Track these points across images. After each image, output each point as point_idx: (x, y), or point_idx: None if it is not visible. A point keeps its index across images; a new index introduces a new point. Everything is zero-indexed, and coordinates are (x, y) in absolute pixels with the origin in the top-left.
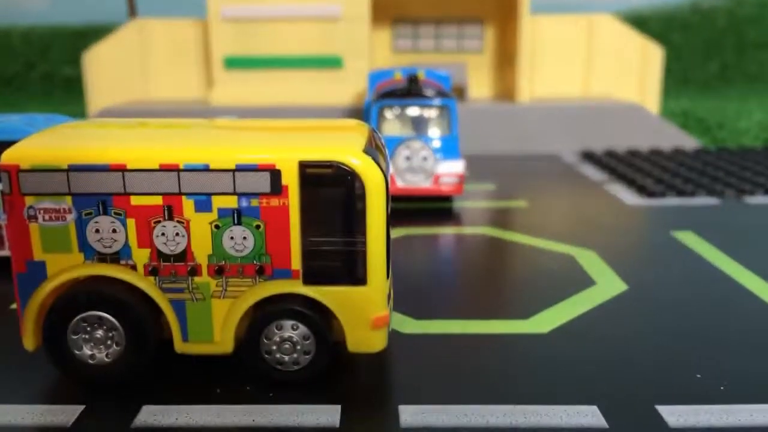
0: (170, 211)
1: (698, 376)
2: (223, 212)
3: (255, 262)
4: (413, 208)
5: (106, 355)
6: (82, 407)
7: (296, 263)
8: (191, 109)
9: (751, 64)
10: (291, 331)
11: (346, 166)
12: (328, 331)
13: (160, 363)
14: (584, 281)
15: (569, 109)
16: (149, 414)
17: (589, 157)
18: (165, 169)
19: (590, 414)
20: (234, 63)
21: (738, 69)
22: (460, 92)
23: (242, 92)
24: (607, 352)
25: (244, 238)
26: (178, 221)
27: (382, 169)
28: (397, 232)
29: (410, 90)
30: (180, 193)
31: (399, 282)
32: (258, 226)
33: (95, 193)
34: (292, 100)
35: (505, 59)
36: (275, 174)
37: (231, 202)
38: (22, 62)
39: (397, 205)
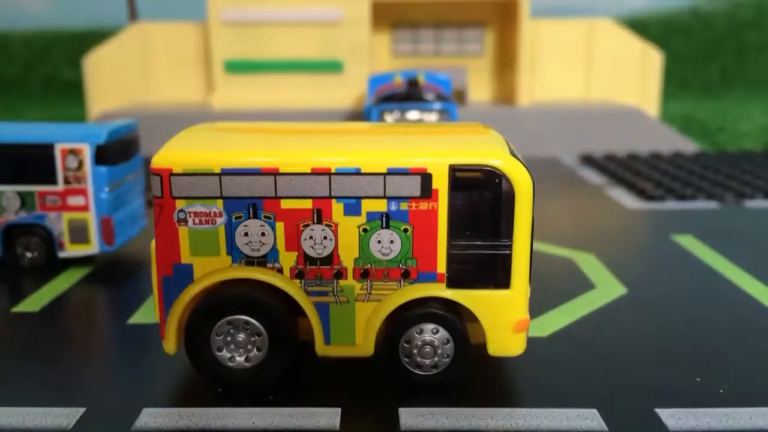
0: (319, 215)
1: (698, 379)
2: (371, 216)
3: (401, 265)
4: None
5: (247, 359)
6: (83, 410)
7: (442, 266)
8: (193, 113)
9: (751, 68)
10: (431, 334)
11: (497, 169)
12: (468, 334)
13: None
14: (584, 285)
15: (569, 113)
16: (150, 417)
17: (588, 160)
18: (317, 172)
19: (590, 417)
20: (234, 67)
21: (738, 72)
22: (460, 96)
23: (242, 96)
24: (606, 355)
25: (392, 241)
26: (326, 224)
27: (530, 172)
28: None
29: (410, 94)
30: (330, 197)
31: None
32: (406, 230)
33: (246, 196)
34: (293, 103)
35: (505, 63)
36: (426, 177)
37: (380, 205)
38: (23, 65)
39: None
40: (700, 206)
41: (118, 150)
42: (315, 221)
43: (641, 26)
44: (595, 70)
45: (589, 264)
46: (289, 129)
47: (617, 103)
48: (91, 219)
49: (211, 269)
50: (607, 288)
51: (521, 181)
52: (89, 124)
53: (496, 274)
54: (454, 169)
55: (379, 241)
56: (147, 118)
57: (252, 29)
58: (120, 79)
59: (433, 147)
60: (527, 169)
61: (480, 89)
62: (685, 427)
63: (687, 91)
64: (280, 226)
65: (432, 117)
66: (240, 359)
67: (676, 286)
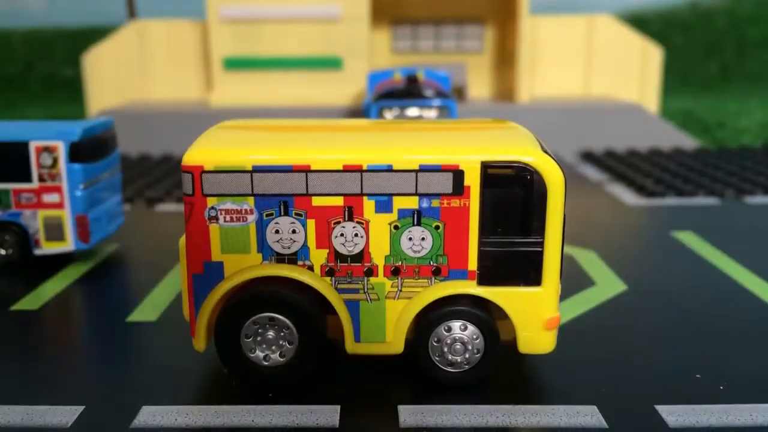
0: (350, 212)
1: (698, 376)
2: (403, 213)
3: (432, 262)
4: None
5: (277, 356)
6: (81, 408)
7: (473, 264)
8: (192, 111)
9: (751, 64)
10: (461, 332)
11: (529, 165)
12: (498, 332)
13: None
14: (584, 281)
15: (569, 110)
16: (148, 414)
17: (588, 157)
18: (348, 169)
19: (590, 414)
20: (233, 64)
21: (738, 68)
22: (460, 92)
23: (242, 93)
24: (606, 352)
25: (423, 238)
26: (357, 222)
27: (562, 169)
28: None
29: (409, 90)
30: (361, 194)
31: None
32: (437, 227)
33: (277, 194)
34: (292, 100)
35: (505, 59)
36: (458, 174)
37: (412, 202)
38: (22, 63)
39: None
40: (700, 202)
41: (94, 148)
42: (346, 218)
43: (641, 22)
44: (594, 67)
45: (589, 260)
46: (318, 126)
47: (617, 99)
48: (66, 217)
49: (242, 267)
50: (606, 284)
51: (553, 177)
52: (64, 122)
53: (528, 272)
54: (486, 166)
55: (410, 239)
56: (146, 116)
57: (251, 26)
58: (119, 76)
59: (464, 143)
60: (559, 166)
61: (479, 86)
62: (685, 424)
63: (687, 87)
64: (311, 223)
65: (431, 113)
66: (270, 356)
67: (676, 283)
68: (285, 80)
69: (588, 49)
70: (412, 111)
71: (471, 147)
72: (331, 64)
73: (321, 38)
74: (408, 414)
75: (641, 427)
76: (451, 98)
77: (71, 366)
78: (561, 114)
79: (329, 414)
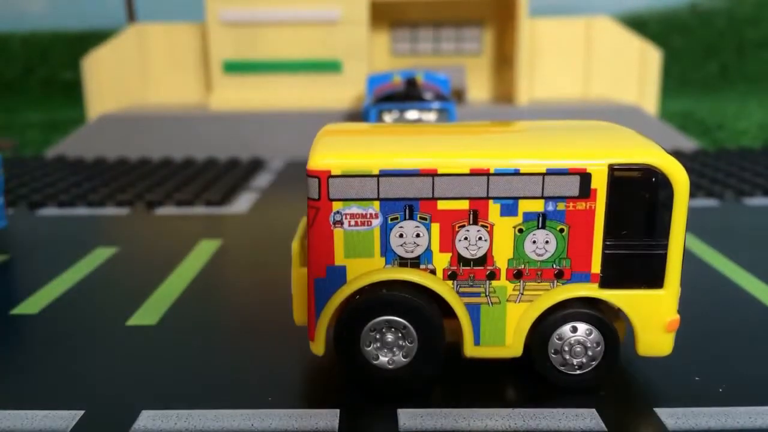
0: (475, 216)
1: (697, 378)
2: (528, 216)
3: (554, 265)
4: None
5: (397, 360)
6: (81, 412)
7: (596, 267)
8: (191, 114)
9: (751, 65)
10: (580, 333)
11: (656, 167)
12: (618, 335)
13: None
14: None
15: (568, 112)
16: (148, 419)
17: None
18: (475, 173)
19: (589, 417)
20: (233, 67)
21: (737, 70)
22: (459, 95)
23: (241, 96)
24: None
25: (547, 242)
26: (482, 225)
27: (686, 170)
28: None
29: (409, 93)
30: (487, 198)
31: None
32: (562, 230)
33: (403, 198)
34: (292, 103)
35: (504, 62)
36: (585, 177)
37: (537, 206)
38: (22, 66)
39: None
40: (699, 204)
41: None
42: (471, 222)
43: (640, 24)
44: (593, 69)
45: None
46: (427, 129)
47: (616, 101)
48: None
49: (365, 271)
50: None
51: (679, 179)
52: None
53: (651, 274)
54: (613, 169)
55: (534, 242)
56: (146, 119)
57: (250, 30)
58: (119, 80)
59: (589, 146)
60: (683, 168)
61: (479, 88)
62: (684, 427)
63: (686, 89)
64: (435, 227)
65: (431, 116)
66: (390, 360)
67: None
68: (284, 83)
69: (587, 51)
70: (412, 114)
71: (597, 150)
72: (331, 67)
73: (320, 41)
74: (407, 418)
75: (640, 430)
76: (450, 101)
77: (71, 370)
78: (560, 116)
79: (329, 418)
